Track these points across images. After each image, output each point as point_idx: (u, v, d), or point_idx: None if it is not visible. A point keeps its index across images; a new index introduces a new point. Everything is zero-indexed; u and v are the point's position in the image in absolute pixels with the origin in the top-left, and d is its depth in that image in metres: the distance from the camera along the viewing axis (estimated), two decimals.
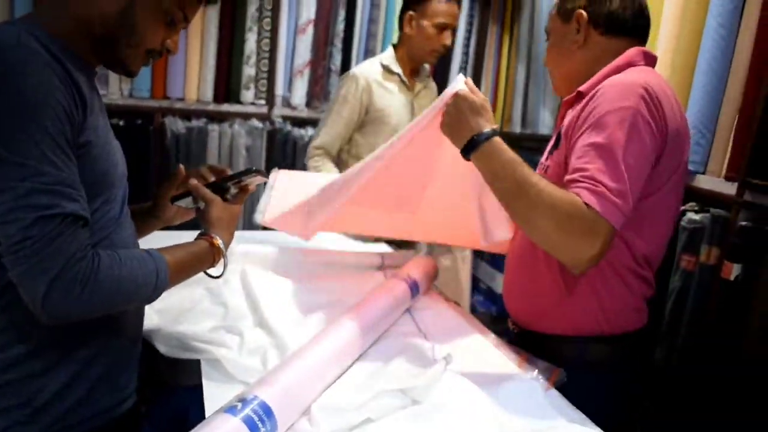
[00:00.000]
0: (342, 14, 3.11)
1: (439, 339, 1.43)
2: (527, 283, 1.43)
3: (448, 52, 2.51)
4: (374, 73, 2.43)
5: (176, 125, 2.89)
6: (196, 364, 1.28)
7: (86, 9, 1.05)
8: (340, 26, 3.12)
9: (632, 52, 1.35)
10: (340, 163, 2.47)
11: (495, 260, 3.33)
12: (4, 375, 1.04)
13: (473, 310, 3.12)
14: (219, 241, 1.18)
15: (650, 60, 1.37)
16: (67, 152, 0.96)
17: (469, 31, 3.36)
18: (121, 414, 1.17)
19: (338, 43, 3.13)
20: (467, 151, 1.26)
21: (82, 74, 1.05)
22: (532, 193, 1.17)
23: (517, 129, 3.51)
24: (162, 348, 1.31)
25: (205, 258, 1.17)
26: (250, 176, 1.25)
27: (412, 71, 2.48)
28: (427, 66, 2.55)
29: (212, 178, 1.28)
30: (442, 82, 3.32)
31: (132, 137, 2.78)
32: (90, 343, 1.10)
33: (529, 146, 3.51)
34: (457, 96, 1.29)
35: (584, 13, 1.38)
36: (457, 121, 1.28)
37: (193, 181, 1.25)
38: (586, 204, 1.13)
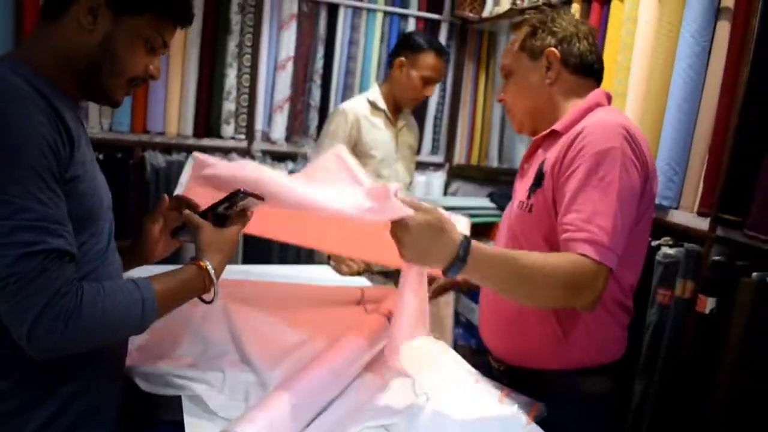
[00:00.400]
0: (321, 51, 3.16)
1: (420, 374, 1.43)
2: (512, 323, 1.42)
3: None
4: (362, 108, 2.53)
5: (156, 159, 2.89)
6: (177, 398, 1.27)
7: (66, 43, 1.07)
8: (319, 63, 3.16)
9: (598, 92, 1.41)
10: None
11: (474, 294, 3.34)
12: None
13: (454, 343, 3.13)
14: (208, 266, 1.15)
15: (610, 100, 1.43)
16: (53, 188, 0.95)
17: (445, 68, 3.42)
18: None
19: (317, 80, 3.17)
20: (453, 272, 1.12)
21: (68, 108, 1.06)
22: (532, 275, 1.17)
23: (494, 164, 3.57)
24: (142, 384, 1.30)
25: (194, 284, 1.15)
26: (241, 198, 1.20)
27: (395, 108, 2.58)
28: None
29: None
30: (419, 117, 3.37)
31: (112, 171, 2.76)
32: (72, 379, 1.10)
33: (505, 180, 3.55)
34: (407, 225, 1.09)
35: (556, 51, 1.41)
36: (425, 248, 1.11)
37: (186, 211, 1.24)
38: (585, 255, 1.17)
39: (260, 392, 1.28)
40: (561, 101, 1.42)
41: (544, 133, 1.42)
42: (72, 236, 0.99)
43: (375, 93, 2.58)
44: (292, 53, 3.08)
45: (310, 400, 1.20)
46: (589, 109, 1.37)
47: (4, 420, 1.04)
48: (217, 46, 2.97)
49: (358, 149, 2.48)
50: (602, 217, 1.19)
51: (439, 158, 3.50)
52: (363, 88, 3.25)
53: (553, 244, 1.29)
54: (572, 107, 1.40)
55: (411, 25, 3.29)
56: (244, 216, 1.24)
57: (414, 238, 1.10)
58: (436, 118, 3.46)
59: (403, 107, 2.59)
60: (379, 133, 2.53)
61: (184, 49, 2.92)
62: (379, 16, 3.23)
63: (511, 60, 1.48)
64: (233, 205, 1.22)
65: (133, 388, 1.32)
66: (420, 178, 3.38)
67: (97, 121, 2.86)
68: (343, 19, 3.17)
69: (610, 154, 1.22)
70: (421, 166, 3.43)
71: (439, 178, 3.43)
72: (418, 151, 3.30)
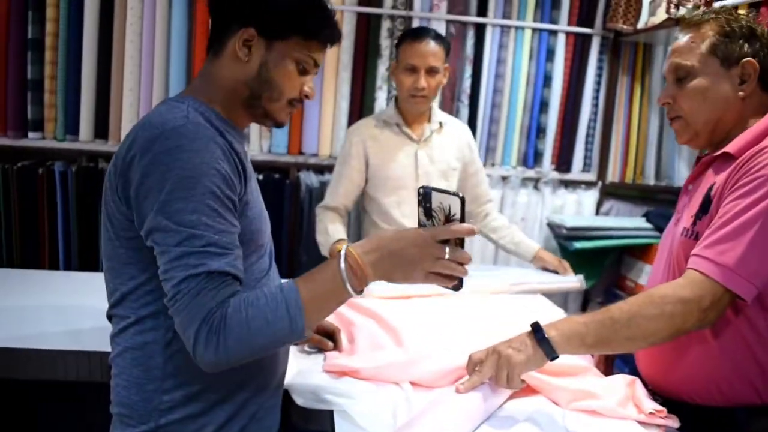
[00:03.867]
0: (468, 71, 3.17)
1: (570, 405, 1.38)
2: (668, 351, 1.35)
3: (432, 94, 2.34)
4: (368, 128, 2.41)
5: (310, 179, 3.03)
6: (328, 411, 1.33)
7: (230, 75, 1.18)
8: (467, 83, 3.17)
9: None
10: (361, 219, 2.54)
11: None
12: (170, 415, 1.13)
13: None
14: (348, 254, 1.07)
15: None
16: (224, 216, 1.06)
17: (598, 83, 3.31)
18: None
19: (465, 100, 3.18)
20: (550, 357, 1.24)
21: (237, 141, 1.17)
22: (633, 326, 1.20)
23: (650, 181, 3.39)
24: (299, 400, 1.36)
25: (334, 273, 1.07)
26: (450, 197, 1.07)
27: (414, 119, 2.41)
28: (436, 109, 2.46)
29: None
30: (569, 133, 3.28)
31: (270, 190, 2.94)
32: (246, 386, 1.18)
33: (663, 199, 3.37)
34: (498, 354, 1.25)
35: (755, 62, 1.27)
36: (515, 373, 1.24)
37: None
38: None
39: (407, 410, 1.29)
40: (746, 118, 1.30)
41: (715, 153, 1.31)
42: (239, 259, 1.08)
43: (390, 108, 2.45)
44: None
45: (461, 422, 1.20)
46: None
47: (183, 424, 1.14)
48: (368, 69, 3.07)
49: (370, 171, 2.38)
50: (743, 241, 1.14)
51: (591, 176, 3.37)
52: (512, 106, 3.22)
53: None
54: (750, 126, 1.28)
55: (560, 41, 3.22)
56: (451, 232, 1.08)
57: (505, 360, 1.23)
58: (588, 135, 3.34)
59: (411, 110, 2.37)
60: (390, 152, 2.37)
61: (336, 73, 3.05)
62: (528, 33, 3.19)
63: (696, 61, 1.31)
64: (430, 211, 1.10)
65: (287, 400, 1.39)
66: (570, 197, 3.28)
67: (258, 144, 3.05)
68: (490, 38, 3.16)
69: None
70: (572, 185, 3.33)
71: (591, 197, 3.30)
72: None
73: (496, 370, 1.23)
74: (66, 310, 1.91)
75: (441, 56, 2.29)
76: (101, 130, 2.94)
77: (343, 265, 1.06)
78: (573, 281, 2.34)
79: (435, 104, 2.44)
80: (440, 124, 2.44)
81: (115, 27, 2.89)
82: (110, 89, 2.92)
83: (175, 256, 1.02)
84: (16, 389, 1.77)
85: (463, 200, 1.07)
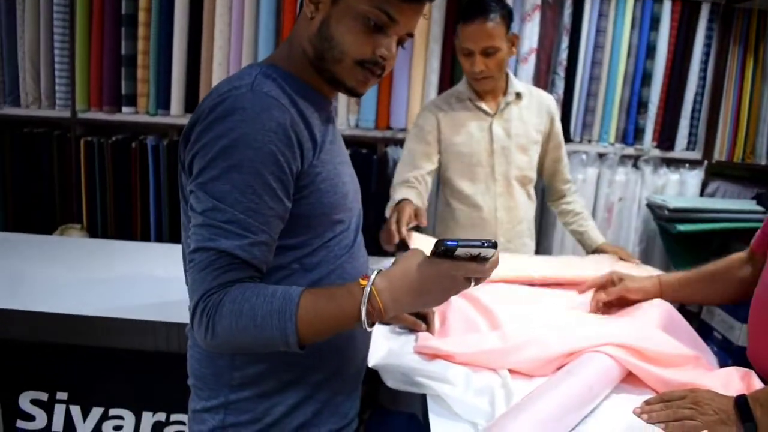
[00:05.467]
0: (566, 42, 3.00)
1: None
2: None
3: (495, 72, 2.14)
4: (443, 104, 2.27)
5: (398, 154, 2.95)
6: (417, 394, 1.27)
7: (301, 36, 1.09)
8: (563, 54, 3.01)
9: None
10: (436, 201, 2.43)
11: (733, 309, 2.97)
12: (241, 392, 1.10)
13: None
14: (369, 286, 0.97)
15: None
16: (259, 193, 0.99)
17: (706, 54, 3.07)
18: None
19: (561, 72, 3.02)
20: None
21: (317, 109, 1.10)
22: None
23: (762, 161, 3.14)
24: (389, 382, 1.30)
25: (349, 305, 0.98)
26: (483, 246, 0.94)
27: (487, 93, 2.24)
28: (513, 79, 2.27)
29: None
30: (673, 108, 3.07)
31: (356, 166, 2.88)
32: (321, 369, 1.13)
33: None
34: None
35: None
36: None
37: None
38: None
39: (505, 396, 1.22)
40: None
41: None
42: (259, 246, 1.00)
43: (462, 84, 2.29)
44: (535, 45, 2.97)
45: (563, 414, 1.11)
46: None
47: (255, 402, 1.10)
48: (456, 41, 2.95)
49: (442, 146, 2.24)
50: None
51: (696, 155, 3.15)
52: (611, 79, 3.04)
53: None
54: None
55: (666, 9, 3.00)
56: (475, 262, 0.97)
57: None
58: (693, 110, 3.11)
59: (478, 90, 2.22)
60: (462, 128, 2.22)
61: (426, 46, 2.96)
62: (630, 1, 2.99)
63: None
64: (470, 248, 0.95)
65: (372, 375, 1.33)
66: (673, 177, 3.07)
67: (345, 118, 3.00)
68: (590, 6, 2.98)
69: None
70: (675, 164, 3.12)
71: (695, 177, 3.08)
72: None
73: (683, 416, 1.13)
74: (156, 281, 1.94)
75: (497, 33, 2.08)
76: (191, 104, 2.97)
77: (364, 307, 0.97)
78: None
79: (511, 74, 2.28)
80: (517, 95, 2.26)
81: (206, 1, 2.90)
82: (200, 64, 2.94)
83: (197, 223, 1.00)
84: (97, 356, 1.79)
85: (495, 245, 0.94)
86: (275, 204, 1.00)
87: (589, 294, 1.69)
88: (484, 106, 2.23)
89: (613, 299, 1.62)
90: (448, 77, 3.00)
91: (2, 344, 1.80)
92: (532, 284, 1.81)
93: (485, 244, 0.93)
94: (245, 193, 0.97)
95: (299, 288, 1.00)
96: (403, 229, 1.76)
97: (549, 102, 2.33)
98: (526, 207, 2.34)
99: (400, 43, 1.10)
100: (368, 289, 0.97)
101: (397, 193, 2.12)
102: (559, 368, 1.29)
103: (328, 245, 1.12)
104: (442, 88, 2.96)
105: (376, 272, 1.00)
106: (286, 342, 0.97)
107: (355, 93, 1.12)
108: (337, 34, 1.04)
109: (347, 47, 1.04)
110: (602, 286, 1.66)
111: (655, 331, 1.43)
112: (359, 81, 1.09)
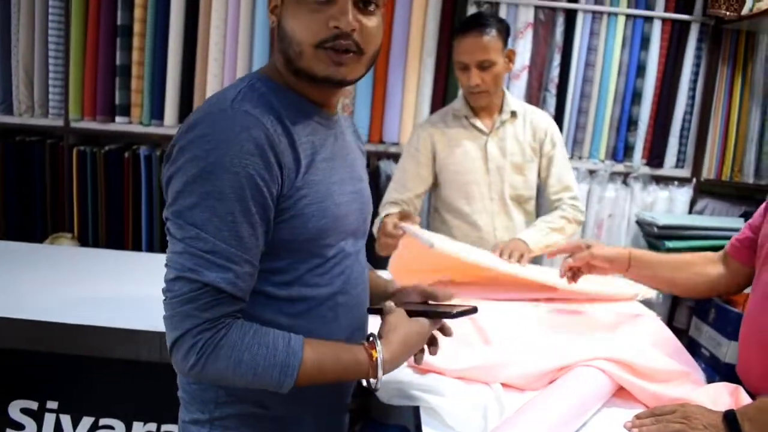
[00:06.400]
0: (557, 59, 3.04)
1: None
2: None
3: (491, 87, 2.13)
4: (438, 122, 2.26)
5: (390, 168, 2.97)
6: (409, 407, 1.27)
7: (276, 50, 1.07)
8: (555, 71, 3.04)
9: None
10: (430, 218, 2.40)
11: (721, 326, 3.00)
12: (225, 409, 1.09)
13: None
14: (378, 357, 1.03)
15: None
16: (241, 223, 0.95)
17: (695, 73, 3.12)
18: None
19: (552, 89, 3.05)
20: None
21: (310, 123, 1.05)
22: None
23: (749, 179, 3.18)
24: (382, 396, 1.30)
25: (355, 369, 1.04)
26: (452, 317, 1.14)
27: (482, 110, 2.23)
28: (509, 98, 2.25)
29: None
30: (662, 126, 3.11)
31: None
32: (309, 389, 1.07)
33: (764, 198, 3.15)
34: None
35: None
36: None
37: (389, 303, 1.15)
38: None
39: (498, 409, 1.22)
40: None
41: None
42: (244, 277, 0.97)
43: (458, 100, 2.26)
44: (527, 62, 3.01)
45: (555, 427, 1.12)
46: None
47: (247, 417, 1.10)
48: (453, 56, 2.98)
49: (437, 166, 2.23)
50: None
51: (684, 172, 3.19)
52: (602, 97, 3.08)
53: None
54: None
55: (656, 28, 3.05)
56: (443, 316, 1.15)
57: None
58: (683, 128, 3.15)
59: (474, 105, 2.21)
60: (457, 147, 2.20)
61: (420, 59, 2.98)
62: (621, 19, 3.03)
63: None
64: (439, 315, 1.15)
65: (363, 388, 1.34)
66: (662, 194, 3.11)
67: None
68: (581, 24, 3.02)
69: None
70: (664, 181, 3.16)
71: (684, 194, 3.12)
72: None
73: (673, 431, 1.15)
74: (146, 291, 1.93)
75: (494, 47, 2.08)
76: (185, 115, 2.94)
77: (375, 381, 1.05)
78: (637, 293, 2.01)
79: (507, 92, 2.27)
80: (512, 113, 2.24)
81: (201, 13, 2.92)
82: (195, 75, 2.96)
83: (177, 250, 0.95)
84: (87, 365, 1.79)
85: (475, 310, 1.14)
86: (256, 230, 0.97)
87: (583, 307, 1.71)
88: (479, 124, 2.23)
89: (581, 265, 1.64)
90: (442, 91, 3.02)
91: None
92: (521, 299, 1.82)
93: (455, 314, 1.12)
94: (226, 221, 0.93)
95: (300, 339, 0.99)
96: (397, 232, 1.79)
97: (545, 120, 2.31)
98: (525, 226, 2.28)
99: (363, 6, 1.01)
100: (380, 371, 1.04)
101: (383, 211, 2.15)
102: (551, 382, 1.30)
103: (316, 272, 1.07)
104: (435, 102, 2.99)
105: (380, 344, 1.05)
106: (280, 389, 0.98)
107: (335, 81, 1.03)
108: (289, 28, 1.00)
109: (300, 35, 0.99)
110: (571, 252, 1.68)
111: (646, 346, 1.45)
112: (329, 65, 1.01)
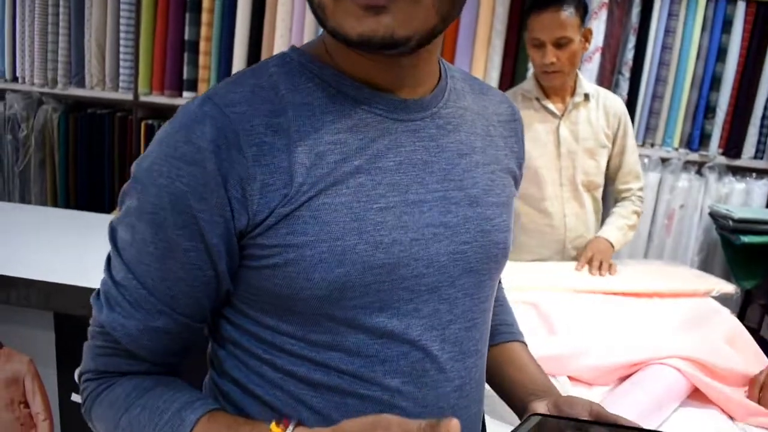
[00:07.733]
0: (632, 41, 2.92)
1: (747, 420, 1.21)
2: None
3: (567, 67, 2.03)
4: None
5: None
6: None
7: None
8: (629, 54, 2.92)
9: None
10: None
11: None
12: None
13: None
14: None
15: None
16: (161, 258, 0.69)
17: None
18: None
19: (626, 72, 2.94)
20: None
21: (346, 112, 0.71)
22: None
23: None
24: None
25: None
26: None
27: (555, 92, 2.14)
28: (582, 80, 2.16)
29: None
30: (741, 118, 2.96)
31: None
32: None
33: None
34: None
35: None
36: None
37: None
38: None
39: None
40: None
41: None
42: (160, 334, 0.72)
43: (529, 81, 2.18)
44: (600, 44, 2.89)
45: None
46: None
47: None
48: (522, 38, 2.89)
49: None
50: None
51: (764, 164, 3.03)
52: (678, 82, 2.94)
53: None
54: None
55: (740, 10, 2.89)
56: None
57: None
58: (764, 117, 2.99)
59: (546, 85, 2.12)
60: (528, 130, 2.08)
61: (488, 41, 2.91)
62: (702, 1, 2.89)
63: None
64: None
65: None
66: (738, 186, 2.96)
67: None
68: (659, 5, 2.89)
69: None
70: (741, 172, 3.01)
71: (762, 187, 2.96)
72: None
73: None
74: None
75: (571, 24, 1.99)
76: None
77: None
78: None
79: (580, 74, 2.19)
80: (585, 96, 2.16)
81: None
82: (261, 52, 2.96)
83: (105, 266, 0.76)
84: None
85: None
86: (188, 272, 0.69)
87: (656, 302, 1.64)
88: (551, 106, 2.15)
89: None
90: (510, 73, 2.94)
91: (63, 319, 1.84)
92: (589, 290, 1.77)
93: None
94: (141, 252, 0.69)
95: (199, 412, 0.69)
96: None
97: (618, 105, 2.23)
98: (595, 214, 2.24)
99: None
100: None
101: None
102: (621, 378, 1.25)
103: (342, 357, 0.71)
104: (503, 85, 2.91)
105: (293, 425, 0.66)
106: None
107: (377, 42, 0.64)
108: None
109: None
110: None
111: (721, 344, 1.38)
112: (348, 17, 0.63)
